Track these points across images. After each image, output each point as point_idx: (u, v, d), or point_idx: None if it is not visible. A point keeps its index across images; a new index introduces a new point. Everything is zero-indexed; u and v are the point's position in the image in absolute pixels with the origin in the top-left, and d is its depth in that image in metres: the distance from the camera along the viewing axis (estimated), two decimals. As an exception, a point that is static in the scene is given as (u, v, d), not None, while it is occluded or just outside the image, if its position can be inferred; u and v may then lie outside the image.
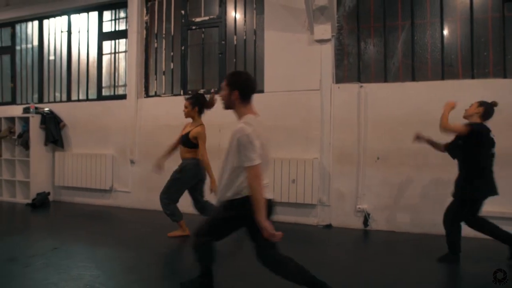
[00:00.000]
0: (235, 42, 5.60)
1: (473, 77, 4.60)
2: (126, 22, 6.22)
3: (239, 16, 5.64)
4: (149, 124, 5.92)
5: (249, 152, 2.10)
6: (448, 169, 4.43)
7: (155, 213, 5.17)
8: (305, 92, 5.01)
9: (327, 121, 4.93)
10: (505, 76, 4.51)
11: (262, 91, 5.25)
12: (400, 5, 4.89)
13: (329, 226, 4.76)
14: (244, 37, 5.55)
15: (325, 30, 4.91)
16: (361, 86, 4.82)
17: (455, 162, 3.85)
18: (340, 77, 5.03)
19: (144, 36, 6.16)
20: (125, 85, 6.26)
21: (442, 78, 4.69)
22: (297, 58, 5.11)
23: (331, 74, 4.96)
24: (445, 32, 4.77)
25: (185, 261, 3.51)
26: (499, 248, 3.51)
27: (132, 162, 6.01)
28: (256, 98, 5.08)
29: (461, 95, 4.48)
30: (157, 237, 4.23)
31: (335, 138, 4.88)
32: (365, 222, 4.63)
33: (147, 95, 6.13)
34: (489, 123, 3.53)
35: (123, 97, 6.19)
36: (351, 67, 5.07)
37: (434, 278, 3.11)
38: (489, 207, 3.85)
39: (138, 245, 3.94)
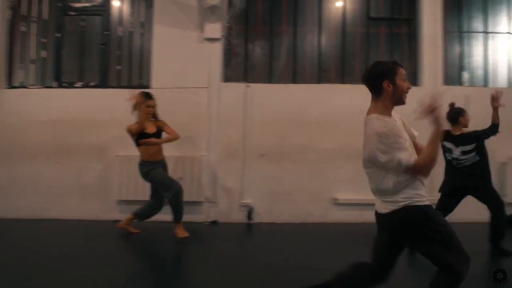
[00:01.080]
0: (120, 34, 5.40)
1: (343, 82, 5.30)
2: (-16, -2, 5.45)
3: (125, 6, 5.45)
4: (11, 119, 5.21)
5: None
6: (323, 164, 5.06)
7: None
8: (194, 90, 5.12)
9: (215, 118, 5.12)
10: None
11: (148, 87, 5.17)
12: (285, 12, 5.38)
13: (215, 223, 4.93)
14: (131, 29, 5.40)
15: (215, 29, 5.11)
16: (247, 86, 5.12)
17: (330, 158, 4.55)
18: (228, 76, 5.29)
19: (8, 17, 5.48)
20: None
21: (318, 82, 5.28)
22: (186, 55, 5.19)
23: (219, 72, 5.17)
24: (322, 40, 5.40)
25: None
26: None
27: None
28: (141, 92, 5.02)
29: (333, 98, 5.16)
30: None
31: (222, 136, 5.09)
32: (249, 216, 4.93)
33: (10, 85, 5.44)
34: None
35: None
36: (238, 67, 5.37)
37: (314, 262, 3.47)
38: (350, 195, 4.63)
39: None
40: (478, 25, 5.56)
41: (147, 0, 5.38)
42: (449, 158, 3.75)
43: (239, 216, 5.02)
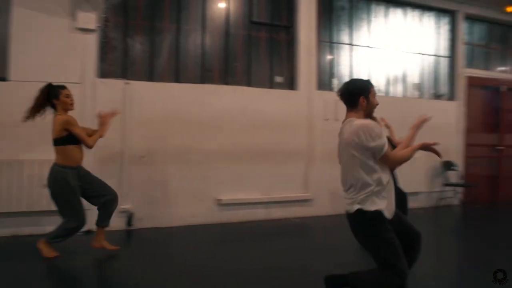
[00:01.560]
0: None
1: (226, 83, 5.45)
2: None
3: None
4: None
5: None
6: (206, 166, 5.15)
7: None
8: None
9: (89, 118, 4.73)
10: (249, 85, 5.55)
11: (4, 79, 4.53)
12: (168, 8, 5.24)
13: (89, 232, 4.59)
14: (-19, 9, 4.61)
15: (89, 19, 4.74)
16: (126, 83, 4.88)
17: (215, 159, 4.67)
18: (105, 72, 4.96)
19: None
20: None
21: (202, 82, 5.32)
22: (54, 46, 4.70)
23: (94, 67, 4.81)
24: (206, 40, 5.43)
25: None
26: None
27: None
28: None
29: (216, 99, 5.27)
30: None
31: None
32: (129, 222, 4.75)
33: None
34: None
35: None
36: (116, 63, 5.07)
37: (198, 264, 3.53)
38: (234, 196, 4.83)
39: None
40: (344, 37, 6.27)
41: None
42: None
43: (118, 223, 4.77)
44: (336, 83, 6.24)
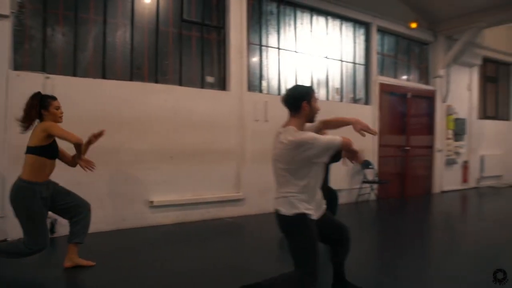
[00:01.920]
0: None
1: (157, 82, 5.32)
2: None
3: None
4: None
5: None
6: (137, 166, 4.97)
7: None
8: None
9: (2, 115, 4.28)
10: (180, 84, 5.48)
11: None
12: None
13: (4, 241, 4.14)
14: None
15: (2, 3, 4.25)
16: (47, 78, 4.49)
17: (143, 158, 4.48)
18: (19, 64, 4.50)
19: None
20: None
21: (131, 79, 5.12)
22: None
23: (7, 58, 4.33)
24: (135, 35, 5.22)
25: None
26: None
27: None
28: None
29: (147, 97, 5.12)
30: None
31: (14, 136, 4.29)
32: (52, 228, 4.37)
33: None
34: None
35: None
36: (33, 54, 4.63)
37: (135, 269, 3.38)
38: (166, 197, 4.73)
39: None
40: (273, 41, 6.52)
41: None
42: None
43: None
44: (265, 85, 6.46)
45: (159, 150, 5.14)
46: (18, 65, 4.47)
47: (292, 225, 2.35)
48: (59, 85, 4.56)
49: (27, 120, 3.26)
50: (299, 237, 2.34)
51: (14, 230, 4.27)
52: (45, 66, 4.65)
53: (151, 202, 5.01)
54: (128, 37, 5.23)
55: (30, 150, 3.16)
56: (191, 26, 5.77)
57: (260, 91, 6.32)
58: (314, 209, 2.40)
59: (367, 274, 3.35)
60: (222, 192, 5.68)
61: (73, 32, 4.85)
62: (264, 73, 6.45)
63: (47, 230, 3.29)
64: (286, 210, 2.35)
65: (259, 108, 6.06)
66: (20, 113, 4.36)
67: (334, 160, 4.54)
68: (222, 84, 5.94)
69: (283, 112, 5.49)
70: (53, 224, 4.41)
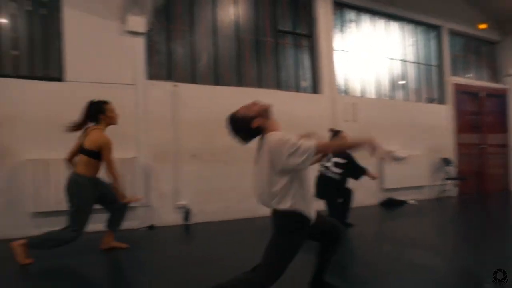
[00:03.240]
0: (13, 12, 4.55)
1: (260, 87, 5.84)
2: None
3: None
4: None
5: None
6: (251, 163, 5.40)
7: None
8: (118, 86, 4.78)
9: (143, 118, 4.89)
10: (279, 88, 5.96)
11: (60, 79, 4.56)
12: (203, 13, 5.54)
13: (151, 227, 4.72)
14: (30, 8, 4.62)
15: (139, 22, 4.90)
16: (175, 85, 5.07)
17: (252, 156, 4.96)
18: (153, 74, 5.12)
19: None
20: None
21: (237, 85, 5.68)
22: (106, 47, 4.80)
23: (144, 70, 4.96)
24: (237, 46, 5.79)
25: None
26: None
27: None
28: (53, 87, 4.44)
29: (251, 101, 5.58)
30: None
31: (152, 136, 4.92)
32: (186, 217, 4.91)
33: None
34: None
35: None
36: (162, 65, 5.24)
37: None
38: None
39: None
40: (354, 46, 6.91)
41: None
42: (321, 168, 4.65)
43: (175, 218, 4.94)
44: (351, 88, 6.83)
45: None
46: (152, 76, 5.08)
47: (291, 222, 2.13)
48: (183, 92, 5.16)
49: (79, 125, 3.53)
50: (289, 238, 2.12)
51: (159, 218, 4.88)
52: (171, 75, 5.26)
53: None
54: (234, 47, 5.78)
55: (87, 153, 3.42)
56: (285, 36, 6.26)
57: (347, 93, 6.70)
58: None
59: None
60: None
61: (190, 44, 5.45)
62: (349, 76, 6.83)
63: (85, 224, 3.42)
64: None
65: (348, 109, 6.44)
66: (154, 116, 4.97)
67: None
68: (315, 87, 6.37)
69: (369, 113, 5.92)
70: (187, 213, 4.96)
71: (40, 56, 4.65)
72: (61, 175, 3.82)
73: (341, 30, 6.82)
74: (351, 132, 6.14)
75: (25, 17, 4.61)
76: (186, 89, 5.19)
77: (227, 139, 5.20)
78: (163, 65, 5.27)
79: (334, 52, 6.50)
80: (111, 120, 3.60)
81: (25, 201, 4.22)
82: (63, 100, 4.49)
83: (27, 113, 4.35)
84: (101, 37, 4.77)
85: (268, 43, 6.09)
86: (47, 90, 4.47)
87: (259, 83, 5.90)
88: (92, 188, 3.45)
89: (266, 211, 4.51)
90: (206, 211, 5.13)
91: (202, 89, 5.33)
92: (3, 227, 4.09)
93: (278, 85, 6.07)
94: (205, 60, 5.58)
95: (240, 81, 5.76)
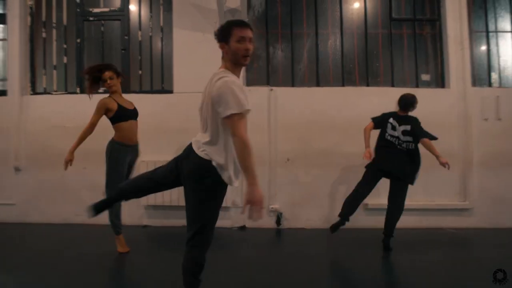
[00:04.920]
0: (139, 38, 5.36)
1: (368, 85, 5.21)
2: (4, 4, 5.45)
3: (144, 11, 5.41)
4: (37, 125, 5.24)
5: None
6: (351, 169, 4.94)
7: (49, 227, 4.69)
8: (216, 94, 5.02)
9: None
10: (392, 85, 5.20)
11: (171, 92, 5.13)
12: (305, 14, 5.30)
13: (243, 228, 4.84)
14: (150, 34, 5.35)
15: (235, 32, 5.02)
16: (271, 90, 5.04)
17: (356, 162, 4.37)
18: (250, 80, 5.21)
19: (29, 23, 5.47)
20: (4, 79, 5.46)
21: (343, 85, 5.19)
22: (207, 59, 5.05)
23: (242, 76, 5.07)
24: (344, 42, 5.29)
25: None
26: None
27: (17, 169, 5.24)
28: (164, 98, 5.04)
29: (358, 100, 5.06)
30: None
31: (280, 143, 5.02)
32: (278, 221, 4.85)
33: (34, 92, 5.45)
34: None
35: (2, 93, 5.38)
36: (260, 71, 5.28)
37: (347, 267, 3.38)
38: (380, 201, 4.47)
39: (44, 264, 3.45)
40: (504, 24, 5.44)
41: (166, 4, 5.34)
42: (389, 138, 4.00)
43: (268, 222, 4.94)
44: (495, 78, 5.44)
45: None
46: (249, 81, 5.20)
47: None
48: (279, 96, 5.07)
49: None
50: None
51: (250, 220, 4.96)
52: (269, 80, 5.26)
53: (366, 204, 4.91)
54: (338, 44, 5.35)
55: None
56: (401, 24, 5.44)
57: (490, 85, 5.36)
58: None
59: None
60: (443, 200, 5.04)
61: (290, 47, 5.32)
62: (494, 63, 5.44)
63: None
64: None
65: (489, 105, 5.13)
66: (250, 120, 4.97)
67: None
68: (439, 81, 5.33)
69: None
70: (278, 217, 4.88)
71: (157, 73, 5.35)
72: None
73: (483, 7, 5.48)
74: (492, 133, 4.96)
75: (147, 41, 5.39)
76: (283, 92, 5.10)
77: (324, 143, 5.02)
78: (263, 70, 5.32)
79: (469, 35, 5.27)
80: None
81: (139, 197, 4.93)
82: (170, 109, 5.06)
83: (143, 121, 5.07)
84: (203, 50, 5.13)
85: (379, 35, 5.41)
86: (159, 102, 5.11)
87: (368, 81, 5.30)
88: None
89: (368, 223, 4.01)
90: (299, 217, 4.92)
91: (298, 91, 5.13)
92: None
93: (392, 82, 5.32)
94: (306, 61, 5.36)
95: (345, 80, 5.30)
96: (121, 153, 3.68)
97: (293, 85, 5.25)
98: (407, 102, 4.04)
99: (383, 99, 5.05)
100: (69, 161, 3.50)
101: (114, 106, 3.70)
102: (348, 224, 4.65)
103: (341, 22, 5.34)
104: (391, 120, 4.06)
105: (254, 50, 5.23)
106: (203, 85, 4.95)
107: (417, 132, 3.92)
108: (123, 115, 3.73)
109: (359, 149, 4.94)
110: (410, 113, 4.09)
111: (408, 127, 3.94)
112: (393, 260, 3.73)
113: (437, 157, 3.90)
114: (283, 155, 5.01)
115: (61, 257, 3.63)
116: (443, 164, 3.90)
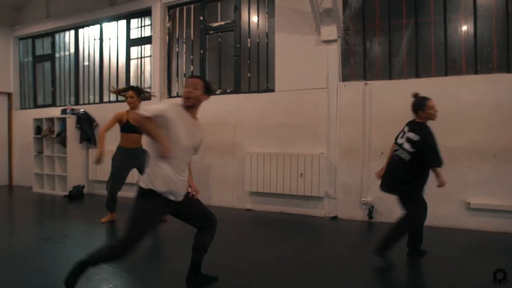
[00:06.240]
0: (249, 45, 6.04)
1: (476, 73, 4.76)
2: (151, 28, 6.81)
3: (252, 20, 6.05)
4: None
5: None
6: (451, 164, 4.62)
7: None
8: (313, 91, 5.36)
9: (334, 117, 5.25)
10: (508, 71, 4.62)
11: (273, 90, 5.65)
12: (405, 4, 5.13)
13: (335, 218, 5.08)
14: (257, 40, 5.98)
15: (331, 31, 5.24)
16: (366, 84, 5.09)
17: (458, 156, 4.20)
18: (347, 76, 5.33)
19: (167, 41, 6.74)
20: (150, 87, 6.85)
21: (446, 74, 4.87)
22: (305, 59, 5.46)
23: (337, 72, 5.28)
24: (449, 29, 4.92)
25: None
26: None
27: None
28: (267, 97, 5.64)
29: (463, 91, 4.69)
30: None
31: (341, 134, 5.19)
32: (370, 214, 4.92)
33: (170, 95, 6.69)
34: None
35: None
36: (357, 66, 5.36)
37: (443, 269, 3.34)
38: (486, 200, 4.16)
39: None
40: None
41: (270, 11, 5.86)
42: (396, 147, 3.51)
43: (360, 214, 5.05)
44: None
45: (478, 148, 4.58)
46: (345, 77, 5.33)
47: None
48: (375, 89, 5.08)
49: None
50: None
51: (343, 210, 5.16)
52: (365, 74, 5.28)
53: (468, 203, 4.54)
54: (441, 32, 4.98)
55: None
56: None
57: None
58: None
59: None
60: None
61: (387, 39, 5.20)
62: None
63: None
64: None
65: None
66: (345, 115, 5.18)
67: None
68: None
69: None
70: (370, 210, 4.94)
71: (263, 75, 5.94)
72: (271, 165, 5.33)
73: None
74: None
75: (255, 47, 6.03)
76: (379, 86, 5.08)
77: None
78: (360, 65, 5.36)
79: None
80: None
81: (245, 183, 5.63)
82: (271, 107, 5.61)
83: (248, 117, 5.75)
84: (301, 51, 5.51)
85: (492, 17, 4.81)
86: (262, 100, 5.70)
87: (477, 69, 4.81)
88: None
89: (471, 224, 3.84)
90: (391, 212, 4.84)
91: (394, 84, 5.02)
92: (228, 200, 5.70)
93: (508, 68, 4.70)
94: (405, 52, 5.17)
95: (448, 69, 4.93)
96: (121, 153, 4.77)
97: (390, 78, 5.15)
98: (414, 105, 3.49)
99: (493, 87, 4.58)
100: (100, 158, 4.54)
101: (124, 119, 4.72)
102: (447, 224, 4.44)
103: (445, 8, 4.96)
104: (405, 127, 3.58)
105: (352, 46, 5.36)
106: (300, 84, 5.39)
107: (424, 154, 3.30)
108: (127, 128, 4.72)
109: (464, 143, 4.63)
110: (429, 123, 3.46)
111: (416, 137, 3.32)
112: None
113: (437, 176, 3.37)
114: (377, 149, 5.01)
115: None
116: (438, 186, 3.39)
